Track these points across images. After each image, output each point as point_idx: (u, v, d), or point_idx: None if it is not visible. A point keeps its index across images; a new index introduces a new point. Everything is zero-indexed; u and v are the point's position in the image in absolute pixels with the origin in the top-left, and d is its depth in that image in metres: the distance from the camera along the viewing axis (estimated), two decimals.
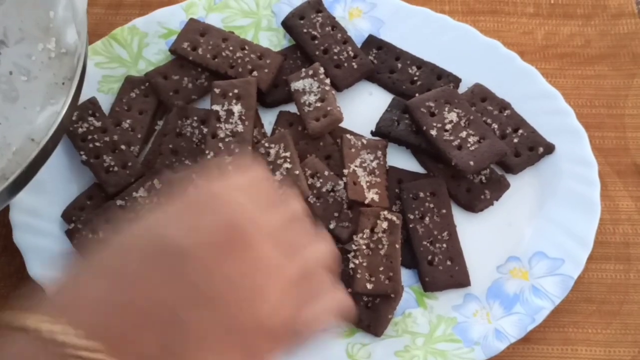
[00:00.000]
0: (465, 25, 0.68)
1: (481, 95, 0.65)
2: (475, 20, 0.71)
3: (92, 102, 0.62)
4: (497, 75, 0.65)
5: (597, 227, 0.59)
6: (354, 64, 0.66)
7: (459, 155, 0.60)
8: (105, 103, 0.64)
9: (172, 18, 0.68)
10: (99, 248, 0.35)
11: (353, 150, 0.61)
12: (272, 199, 0.38)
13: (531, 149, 0.63)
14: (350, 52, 0.66)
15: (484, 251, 0.59)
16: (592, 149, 0.62)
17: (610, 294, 0.59)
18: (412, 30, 0.68)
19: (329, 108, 0.61)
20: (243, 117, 0.60)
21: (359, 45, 0.67)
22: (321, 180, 0.59)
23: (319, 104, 0.62)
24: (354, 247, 0.57)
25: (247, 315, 0.33)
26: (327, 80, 0.63)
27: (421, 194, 0.60)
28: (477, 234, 0.60)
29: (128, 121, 0.63)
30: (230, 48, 0.65)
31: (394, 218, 0.57)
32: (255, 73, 0.64)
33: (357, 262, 0.56)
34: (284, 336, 0.35)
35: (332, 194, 0.59)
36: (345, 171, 0.59)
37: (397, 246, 0.57)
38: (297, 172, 0.58)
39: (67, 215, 0.58)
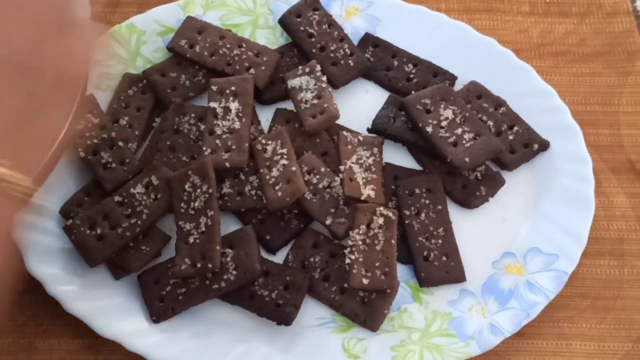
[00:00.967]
0: (461, 23, 0.68)
1: (477, 93, 0.65)
2: (471, 18, 0.72)
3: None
4: (493, 72, 0.66)
5: (592, 223, 0.60)
6: (350, 61, 0.66)
7: (455, 152, 0.60)
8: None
9: (170, 16, 0.68)
10: None
11: (349, 147, 0.61)
12: None
13: (526, 145, 0.63)
14: (347, 50, 0.67)
15: (479, 247, 0.60)
16: (587, 146, 0.62)
17: (604, 289, 0.60)
18: (408, 28, 0.68)
19: (325, 105, 0.62)
20: (240, 114, 0.61)
21: (355, 43, 0.68)
22: (318, 177, 0.60)
23: (315, 101, 0.62)
24: (350, 242, 0.57)
25: None
26: (324, 78, 0.63)
27: (417, 191, 0.60)
28: (473, 230, 0.61)
29: (126, 118, 0.63)
30: (228, 46, 0.65)
31: (390, 214, 0.58)
32: (252, 70, 0.64)
33: (353, 257, 0.56)
34: None
35: (328, 190, 0.59)
36: (342, 168, 0.59)
37: (393, 242, 0.57)
38: (293, 168, 0.58)
39: (65, 212, 0.59)
